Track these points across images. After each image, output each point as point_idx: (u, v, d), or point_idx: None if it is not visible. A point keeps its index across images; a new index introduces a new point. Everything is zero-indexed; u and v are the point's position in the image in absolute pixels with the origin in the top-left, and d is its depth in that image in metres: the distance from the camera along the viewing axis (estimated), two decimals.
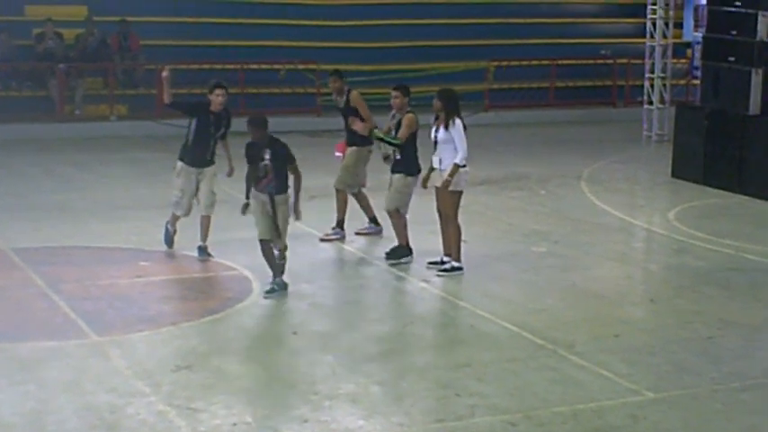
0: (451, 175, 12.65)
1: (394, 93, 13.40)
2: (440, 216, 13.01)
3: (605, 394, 9.47)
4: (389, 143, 13.29)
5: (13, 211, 15.59)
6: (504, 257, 13.80)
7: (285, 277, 12.07)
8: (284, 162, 11.95)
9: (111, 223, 15.06)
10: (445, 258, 13.00)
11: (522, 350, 10.54)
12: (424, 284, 12.62)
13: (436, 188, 12.93)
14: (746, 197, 17.67)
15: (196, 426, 8.63)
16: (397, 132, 13.25)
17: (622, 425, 8.87)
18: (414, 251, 13.31)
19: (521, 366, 10.09)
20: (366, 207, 14.51)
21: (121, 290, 12.18)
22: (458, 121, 12.70)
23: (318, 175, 17.47)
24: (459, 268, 12.85)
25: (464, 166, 12.69)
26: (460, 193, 12.85)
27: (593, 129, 24.95)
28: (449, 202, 12.81)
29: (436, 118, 12.85)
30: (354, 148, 14.33)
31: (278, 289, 11.93)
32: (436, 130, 12.79)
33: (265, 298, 11.82)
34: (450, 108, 12.75)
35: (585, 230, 15.44)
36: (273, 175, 11.93)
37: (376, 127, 13.85)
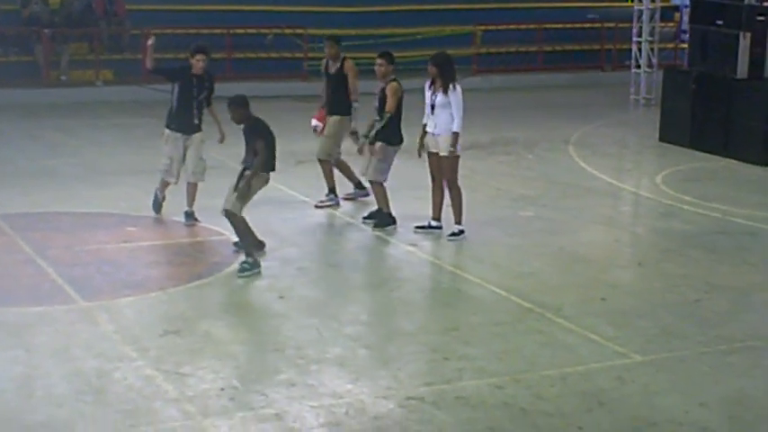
0: (453, 145, 12.64)
1: (378, 60, 13.30)
2: (433, 180, 12.96)
3: (593, 357, 9.50)
4: (382, 127, 13.14)
5: (0, 177, 15.54)
6: (491, 222, 13.81)
7: (276, 241, 12.04)
8: (254, 139, 11.81)
9: (98, 189, 15.02)
10: (433, 222, 12.98)
11: (510, 314, 10.56)
12: (411, 248, 12.62)
13: (430, 153, 12.88)
14: (733, 161, 17.68)
15: (184, 390, 8.64)
16: (381, 108, 13.17)
17: (610, 387, 8.90)
18: (396, 218, 13.26)
19: (508, 330, 10.12)
20: (349, 175, 14.44)
21: (109, 255, 12.16)
22: (458, 86, 12.64)
23: (305, 140, 17.42)
24: (463, 231, 12.87)
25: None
26: (458, 157, 12.83)
27: (580, 93, 24.94)
28: (449, 168, 12.78)
29: (432, 83, 12.78)
30: (337, 117, 14.22)
31: (249, 268, 11.57)
32: (433, 95, 12.72)
33: (239, 277, 11.50)
34: (447, 73, 12.64)
35: (573, 195, 15.45)
36: (246, 149, 11.91)
37: (356, 101, 13.94)
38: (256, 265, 11.61)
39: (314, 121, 14.50)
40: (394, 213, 13.25)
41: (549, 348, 9.69)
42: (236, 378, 8.92)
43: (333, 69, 14.27)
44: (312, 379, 8.92)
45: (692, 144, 18.59)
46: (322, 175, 14.36)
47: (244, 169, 11.85)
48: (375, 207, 13.46)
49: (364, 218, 13.53)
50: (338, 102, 14.20)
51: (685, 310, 10.79)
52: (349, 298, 11.22)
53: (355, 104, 14.09)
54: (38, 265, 11.73)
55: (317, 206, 14.20)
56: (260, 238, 12.07)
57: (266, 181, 11.97)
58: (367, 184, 13.96)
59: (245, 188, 11.71)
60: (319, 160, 14.38)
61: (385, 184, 13.26)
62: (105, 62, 23.42)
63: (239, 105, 11.80)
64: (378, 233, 13.12)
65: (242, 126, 11.88)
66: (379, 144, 13.16)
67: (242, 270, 11.55)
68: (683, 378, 9.19)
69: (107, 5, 23.85)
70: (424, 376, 9.07)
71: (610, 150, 18.90)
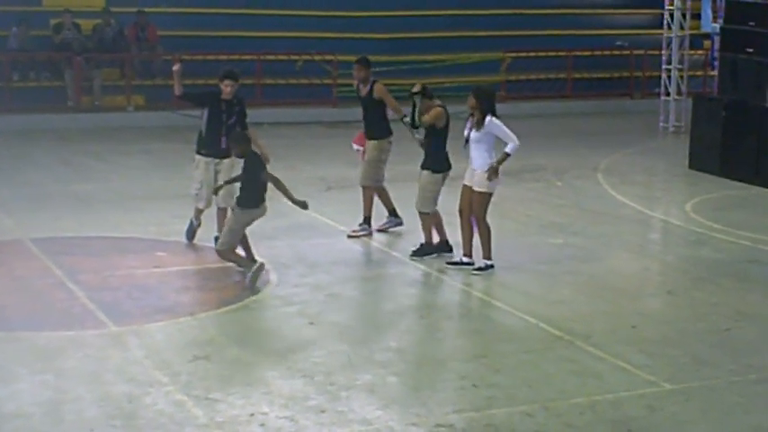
0: (500, 162, 12.40)
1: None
2: (461, 215, 12.74)
3: (623, 385, 9.47)
4: (414, 125, 13.13)
5: (31, 202, 15.65)
6: (521, 249, 13.80)
7: (306, 267, 12.07)
8: (252, 174, 12.02)
9: (128, 213, 15.10)
10: (464, 258, 12.83)
11: (540, 341, 10.54)
12: (441, 276, 12.62)
13: (464, 186, 12.70)
14: (764, 189, 17.60)
15: (213, 416, 8.66)
16: (414, 117, 13.05)
17: (640, 416, 8.87)
18: (437, 249, 13.17)
19: (538, 358, 10.10)
20: (386, 200, 14.29)
21: (139, 280, 12.22)
22: (492, 118, 12.33)
23: (335, 166, 17.53)
24: (492, 266, 12.72)
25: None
26: (491, 194, 12.61)
27: (609, 120, 24.92)
28: (479, 203, 12.54)
29: (470, 115, 12.63)
30: (375, 141, 14.04)
31: (254, 273, 12.02)
32: (470, 129, 12.57)
33: (250, 280, 11.91)
34: (485, 107, 12.39)
35: (602, 222, 15.42)
36: (241, 185, 12.18)
37: (405, 116, 13.55)
38: (261, 268, 11.98)
39: (354, 145, 14.40)
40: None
41: (578, 376, 9.66)
42: (265, 404, 8.93)
43: (363, 93, 14.14)
44: (342, 405, 8.92)
45: (722, 172, 18.52)
46: (357, 201, 14.22)
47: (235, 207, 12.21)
48: (410, 236, 13.33)
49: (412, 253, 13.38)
50: (373, 126, 14.04)
51: (716, 339, 10.75)
52: (379, 324, 11.23)
53: (405, 119, 13.51)
54: (68, 289, 11.79)
55: (349, 236, 14.11)
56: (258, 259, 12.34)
57: (253, 217, 12.19)
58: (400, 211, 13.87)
59: (235, 225, 12.05)
60: (362, 187, 14.24)
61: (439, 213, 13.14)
62: (136, 88, 23.59)
63: (244, 141, 12.19)
64: (408, 260, 13.07)
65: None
66: (425, 172, 12.96)
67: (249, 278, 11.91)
68: (713, 407, 9.15)
69: (139, 32, 24.01)
70: (454, 404, 9.06)
71: (639, 178, 18.86)
